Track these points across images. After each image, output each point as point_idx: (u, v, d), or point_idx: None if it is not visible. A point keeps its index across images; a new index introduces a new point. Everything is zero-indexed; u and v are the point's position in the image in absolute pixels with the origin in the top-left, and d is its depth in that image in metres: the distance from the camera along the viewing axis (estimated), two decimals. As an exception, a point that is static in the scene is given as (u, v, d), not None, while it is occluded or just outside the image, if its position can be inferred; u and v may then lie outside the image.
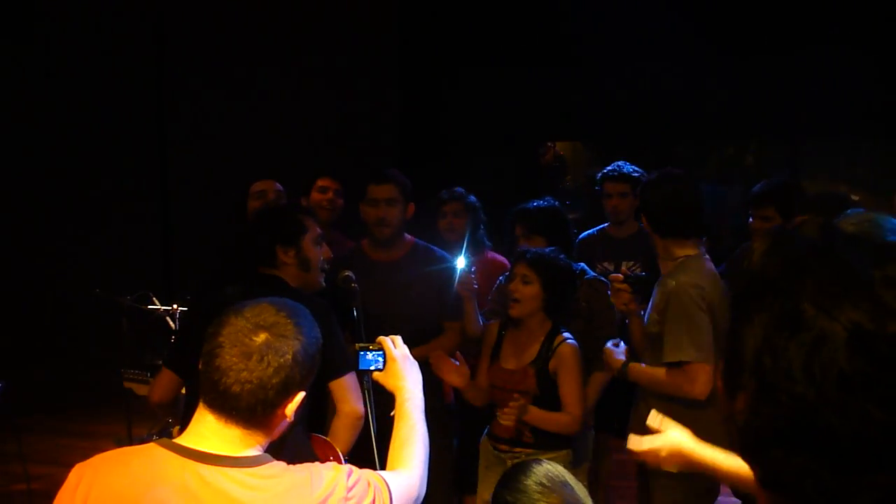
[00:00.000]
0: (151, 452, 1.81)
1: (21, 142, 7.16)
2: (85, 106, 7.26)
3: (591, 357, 4.01)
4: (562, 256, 3.80)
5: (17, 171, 7.16)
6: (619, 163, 4.86)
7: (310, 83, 7.51)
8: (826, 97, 6.95)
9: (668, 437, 2.45)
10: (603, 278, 4.03)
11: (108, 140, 7.32)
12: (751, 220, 4.48)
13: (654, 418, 2.51)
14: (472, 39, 7.71)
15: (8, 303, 7.03)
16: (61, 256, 7.15)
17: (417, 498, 2.11)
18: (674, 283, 3.35)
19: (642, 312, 3.56)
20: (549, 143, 8.30)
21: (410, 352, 2.42)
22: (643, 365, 3.43)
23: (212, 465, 1.78)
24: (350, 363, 2.92)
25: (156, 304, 5.06)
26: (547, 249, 3.84)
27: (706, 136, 7.99)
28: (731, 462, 2.25)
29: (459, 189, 4.80)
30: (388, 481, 1.98)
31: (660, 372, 3.36)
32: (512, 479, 2.30)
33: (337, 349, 2.98)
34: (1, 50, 7.13)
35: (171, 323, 4.86)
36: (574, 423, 3.65)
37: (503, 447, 3.69)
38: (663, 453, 2.45)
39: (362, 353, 2.39)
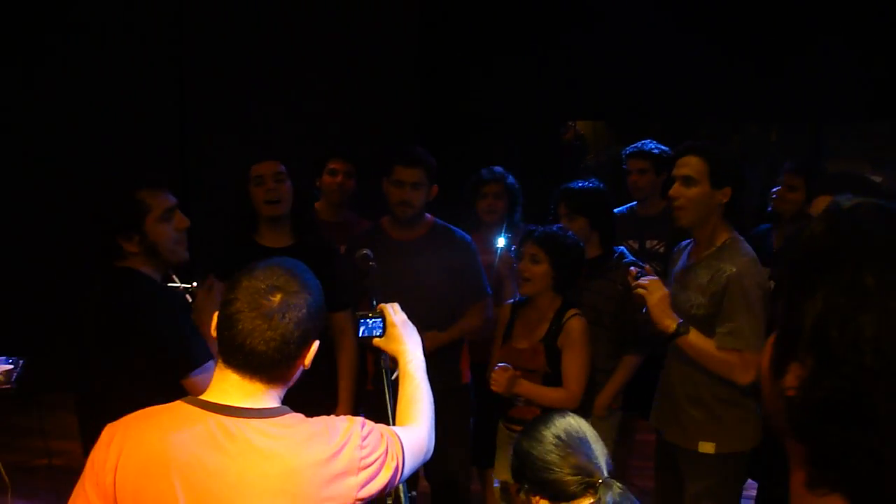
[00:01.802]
0: (178, 409, 1.94)
1: (42, 128, 7.20)
2: (107, 87, 7.27)
3: (624, 340, 4.01)
4: (570, 234, 3.80)
5: (37, 152, 7.20)
6: (645, 141, 4.90)
7: (331, 63, 7.47)
8: (850, 78, 6.86)
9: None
10: (641, 263, 4.02)
11: (130, 123, 7.32)
12: (774, 191, 4.48)
13: None
14: (492, 17, 7.65)
15: (30, 279, 7.08)
16: (84, 233, 7.16)
17: (427, 451, 2.23)
18: (733, 268, 3.30)
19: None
20: (570, 122, 8.24)
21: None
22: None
23: (236, 416, 1.90)
24: (203, 356, 2.88)
25: (175, 282, 5.05)
26: (554, 227, 3.85)
27: (729, 116, 7.90)
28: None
29: (499, 168, 4.76)
30: (399, 434, 2.12)
31: (714, 348, 3.31)
32: (533, 428, 2.32)
33: (186, 342, 2.88)
34: (30, 43, 7.19)
35: (190, 299, 4.86)
36: (571, 399, 3.59)
37: (516, 427, 3.68)
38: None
39: (362, 320, 2.47)
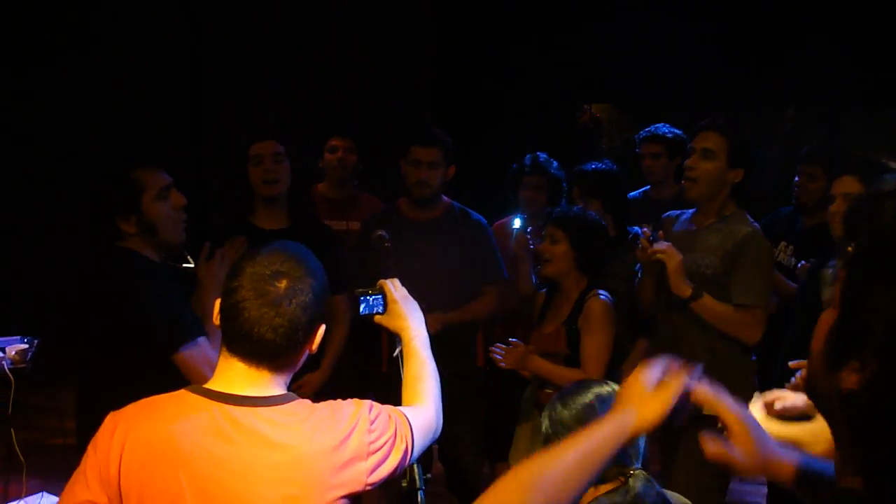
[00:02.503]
0: (183, 398, 1.91)
1: (56, 115, 7.21)
2: (120, 70, 7.28)
3: (638, 321, 3.99)
4: (590, 214, 3.78)
5: (53, 135, 7.22)
6: (658, 125, 4.87)
7: (346, 48, 7.45)
8: (868, 65, 6.80)
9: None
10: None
11: (143, 104, 7.33)
12: (797, 178, 4.49)
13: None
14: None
15: (44, 259, 7.11)
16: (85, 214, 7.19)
17: (436, 430, 2.20)
18: (749, 229, 3.47)
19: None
20: (586, 106, 8.20)
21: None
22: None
23: (241, 406, 1.87)
24: (192, 332, 2.85)
25: (190, 263, 5.05)
26: (575, 208, 3.83)
27: (744, 99, 7.85)
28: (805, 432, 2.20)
29: (543, 156, 4.68)
30: (407, 415, 2.08)
31: (728, 308, 3.45)
32: (568, 394, 2.24)
33: (175, 319, 2.85)
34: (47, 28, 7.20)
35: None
36: None
37: None
38: (746, 457, 2.44)
39: (362, 297, 2.42)
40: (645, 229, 3.59)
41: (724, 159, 3.48)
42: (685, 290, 3.42)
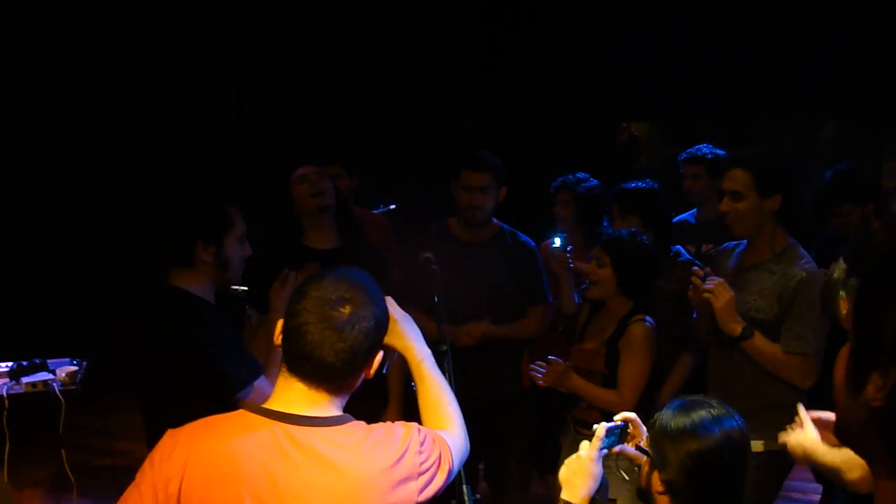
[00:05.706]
0: (242, 417, 1.94)
1: (103, 137, 7.33)
2: (166, 89, 7.38)
3: (681, 338, 3.98)
4: (642, 238, 3.77)
5: (100, 158, 7.33)
6: (700, 146, 4.87)
7: (388, 72, 7.51)
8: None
9: (808, 434, 2.48)
10: (698, 262, 4.00)
11: (189, 129, 7.43)
12: (831, 216, 4.39)
13: (802, 412, 2.59)
14: (546, 17, 7.64)
15: (93, 282, 7.21)
16: (139, 239, 7.28)
17: (467, 449, 2.24)
18: (803, 273, 3.37)
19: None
20: (624, 124, 8.20)
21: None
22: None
23: (301, 425, 1.90)
24: (250, 376, 2.80)
25: (237, 286, 5.09)
26: (623, 232, 3.83)
27: (784, 113, 7.80)
28: (843, 460, 2.22)
29: (576, 175, 4.73)
30: (446, 439, 2.14)
31: (779, 351, 3.38)
32: (685, 408, 2.14)
33: (233, 366, 2.79)
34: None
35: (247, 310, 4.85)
36: (622, 404, 3.46)
37: (584, 430, 3.65)
38: (798, 451, 2.51)
39: None
40: (696, 268, 3.51)
41: (753, 194, 3.41)
42: (735, 328, 3.37)
